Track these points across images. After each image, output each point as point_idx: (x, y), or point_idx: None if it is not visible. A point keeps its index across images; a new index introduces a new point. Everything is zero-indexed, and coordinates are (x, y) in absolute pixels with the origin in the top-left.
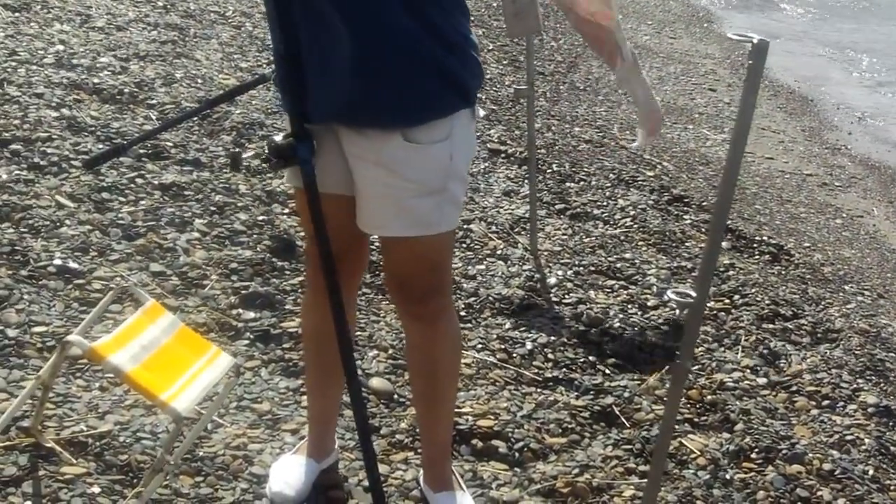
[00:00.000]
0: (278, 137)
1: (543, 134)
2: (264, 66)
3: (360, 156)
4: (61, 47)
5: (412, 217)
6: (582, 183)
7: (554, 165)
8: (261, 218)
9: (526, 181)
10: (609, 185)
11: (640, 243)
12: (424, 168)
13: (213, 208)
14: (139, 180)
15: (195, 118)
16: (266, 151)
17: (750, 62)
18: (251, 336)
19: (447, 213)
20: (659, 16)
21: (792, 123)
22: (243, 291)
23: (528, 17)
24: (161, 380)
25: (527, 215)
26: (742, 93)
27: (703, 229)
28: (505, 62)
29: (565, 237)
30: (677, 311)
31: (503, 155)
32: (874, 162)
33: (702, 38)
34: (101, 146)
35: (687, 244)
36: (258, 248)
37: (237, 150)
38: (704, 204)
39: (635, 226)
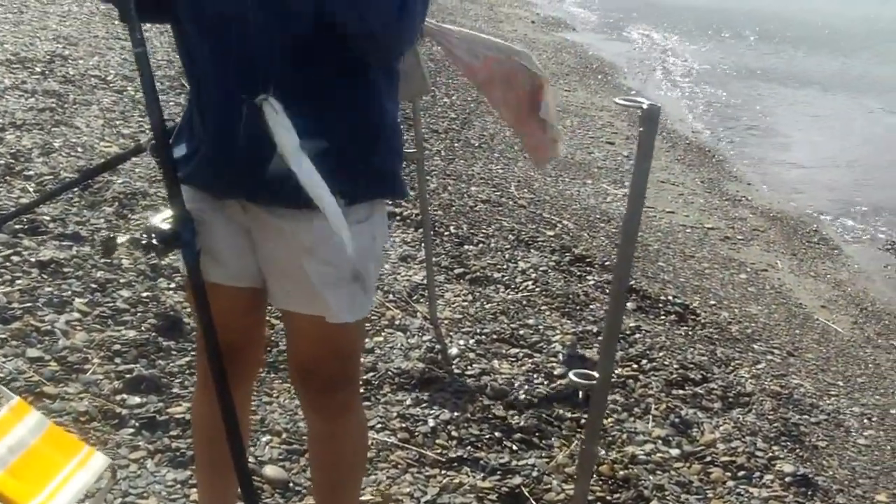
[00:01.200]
0: (157, 219)
1: (439, 195)
2: (147, 131)
3: (273, 236)
4: None
5: (326, 301)
6: (481, 245)
7: (451, 227)
8: (145, 294)
9: (423, 244)
10: (508, 246)
11: (544, 307)
12: (343, 250)
13: (94, 286)
14: (15, 258)
15: (75, 189)
16: (145, 236)
17: (641, 129)
18: (136, 424)
19: (362, 299)
20: (552, 68)
21: (691, 175)
22: (127, 375)
23: (413, 79)
24: (29, 487)
25: (425, 282)
26: (635, 160)
27: (607, 290)
28: None
29: (466, 303)
30: (581, 394)
31: (399, 218)
32: (775, 213)
33: (597, 90)
34: None
35: (591, 306)
36: (143, 328)
37: (110, 234)
38: (607, 263)
39: (537, 289)
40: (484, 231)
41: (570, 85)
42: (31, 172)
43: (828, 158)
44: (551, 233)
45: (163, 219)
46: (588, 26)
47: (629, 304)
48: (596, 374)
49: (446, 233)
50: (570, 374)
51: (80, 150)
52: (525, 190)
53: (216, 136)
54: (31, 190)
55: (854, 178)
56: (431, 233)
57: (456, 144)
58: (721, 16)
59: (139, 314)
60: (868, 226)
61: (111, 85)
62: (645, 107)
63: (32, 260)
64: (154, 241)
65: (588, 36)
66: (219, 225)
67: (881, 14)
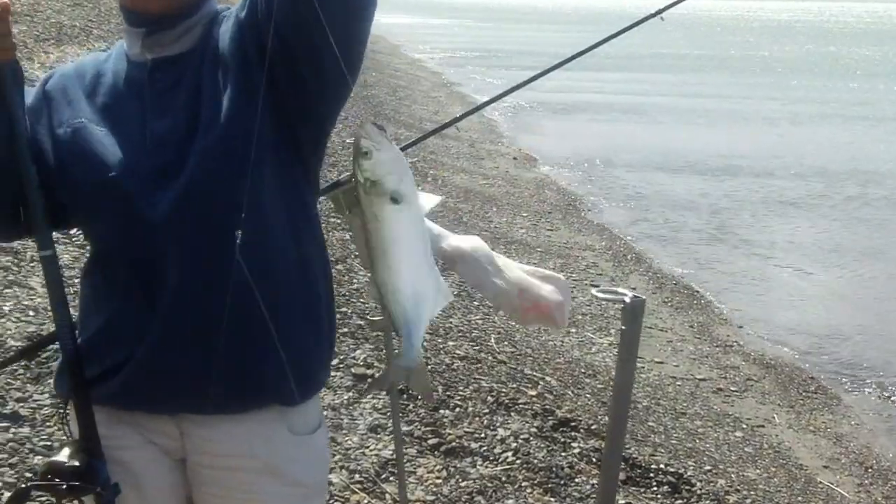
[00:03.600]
0: (63, 454)
1: None
2: None
3: (218, 463)
4: None
5: None
6: (458, 410)
7: None
8: None
9: (392, 419)
10: (487, 410)
11: (525, 484)
12: (310, 463)
13: (28, 474)
14: None
15: (22, 361)
16: (42, 477)
17: (623, 328)
18: None
19: None
20: (535, 206)
21: (679, 319)
22: None
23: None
24: None
25: (395, 456)
26: (618, 359)
27: (594, 459)
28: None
29: (439, 481)
30: None
31: (369, 380)
32: (769, 359)
33: (580, 228)
34: None
35: (576, 480)
36: None
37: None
38: (594, 427)
39: (518, 461)
40: (461, 393)
41: (552, 224)
42: None
43: (820, 293)
44: (533, 392)
45: (68, 454)
46: (560, 162)
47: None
48: None
49: (419, 397)
50: None
51: (31, 313)
52: (506, 343)
53: (174, 317)
54: None
55: (849, 314)
56: (404, 396)
57: None
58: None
59: None
60: (868, 372)
61: (73, 239)
62: (628, 300)
63: None
64: (58, 484)
65: (562, 171)
66: (145, 460)
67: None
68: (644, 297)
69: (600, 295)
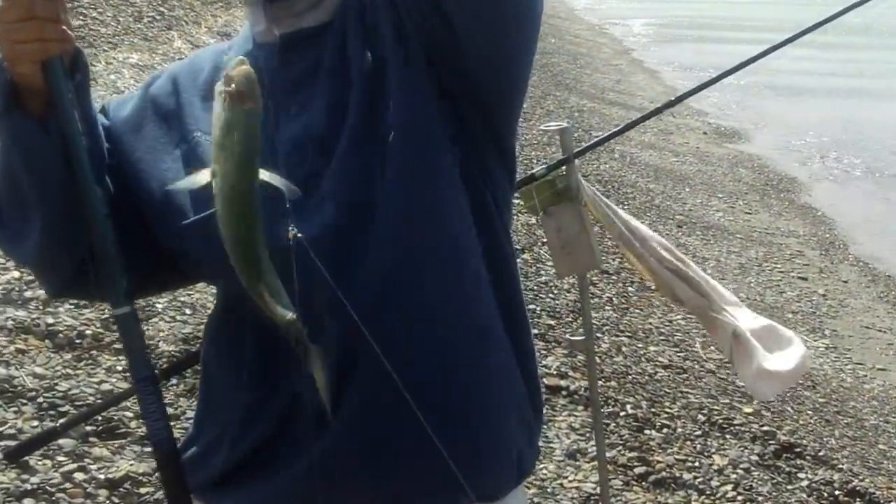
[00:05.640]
0: None
1: (612, 358)
2: None
3: None
4: None
5: None
6: (665, 431)
7: (629, 406)
8: None
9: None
10: (699, 432)
11: None
12: None
13: None
14: None
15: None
16: None
17: None
18: None
19: None
20: (729, 186)
21: None
22: None
23: (579, 249)
24: None
25: (598, 490)
26: None
27: (827, 494)
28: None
29: None
30: None
31: (564, 393)
32: None
33: (780, 211)
34: None
35: None
36: None
37: None
38: (822, 453)
39: (740, 497)
40: (668, 410)
41: (750, 206)
42: None
43: None
44: (748, 410)
45: None
46: (764, 136)
47: None
48: None
49: (622, 412)
50: None
51: (188, 311)
52: (711, 348)
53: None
54: None
55: None
56: (605, 412)
57: (630, 288)
58: None
59: None
60: None
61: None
62: None
63: None
64: None
65: (765, 147)
66: None
67: None
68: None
69: None
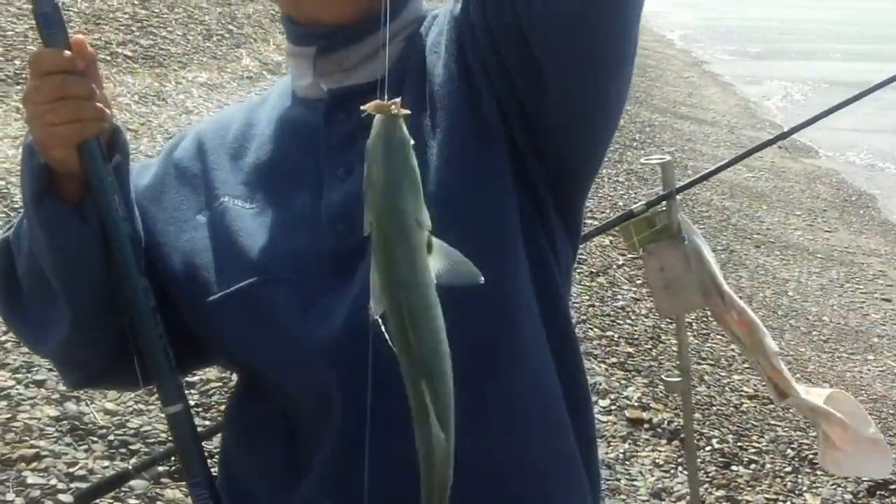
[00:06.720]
0: None
1: (695, 388)
2: None
3: None
4: None
5: None
6: (753, 467)
7: (714, 440)
8: None
9: (682, 468)
10: (789, 468)
11: None
12: None
13: None
14: None
15: None
16: None
17: None
18: None
19: None
20: (807, 203)
21: None
22: None
23: (684, 291)
24: None
25: None
26: None
27: None
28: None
29: None
30: None
31: (646, 426)
32: None
33: (860, 229)
34: None
35: None
36: None
37: None
38: None
39: None
40: (755, 444)
41: (829, 224)
42: None
43: None
44: None
45: None
46: (833, 153)
47: None
48: None
49: (707, 447)
50: None
51: None
52: (798, 375)
53: None
54: None
55: None
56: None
57: (709, 312)
58: None
59: None
60: None
61: None
62: None
63: None
64: None
65: (840, 162)
66: None
67: None
68: None
69: None
